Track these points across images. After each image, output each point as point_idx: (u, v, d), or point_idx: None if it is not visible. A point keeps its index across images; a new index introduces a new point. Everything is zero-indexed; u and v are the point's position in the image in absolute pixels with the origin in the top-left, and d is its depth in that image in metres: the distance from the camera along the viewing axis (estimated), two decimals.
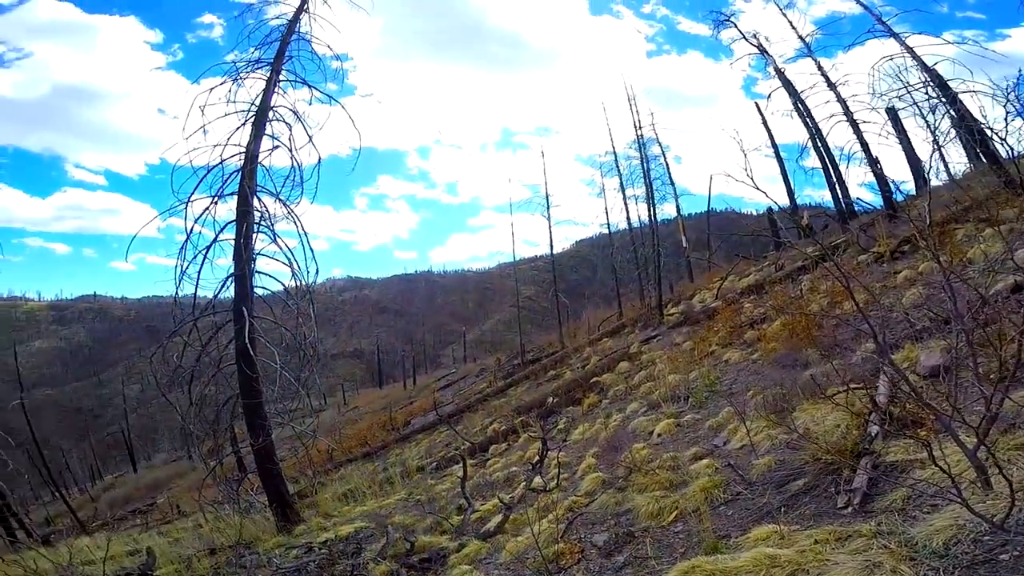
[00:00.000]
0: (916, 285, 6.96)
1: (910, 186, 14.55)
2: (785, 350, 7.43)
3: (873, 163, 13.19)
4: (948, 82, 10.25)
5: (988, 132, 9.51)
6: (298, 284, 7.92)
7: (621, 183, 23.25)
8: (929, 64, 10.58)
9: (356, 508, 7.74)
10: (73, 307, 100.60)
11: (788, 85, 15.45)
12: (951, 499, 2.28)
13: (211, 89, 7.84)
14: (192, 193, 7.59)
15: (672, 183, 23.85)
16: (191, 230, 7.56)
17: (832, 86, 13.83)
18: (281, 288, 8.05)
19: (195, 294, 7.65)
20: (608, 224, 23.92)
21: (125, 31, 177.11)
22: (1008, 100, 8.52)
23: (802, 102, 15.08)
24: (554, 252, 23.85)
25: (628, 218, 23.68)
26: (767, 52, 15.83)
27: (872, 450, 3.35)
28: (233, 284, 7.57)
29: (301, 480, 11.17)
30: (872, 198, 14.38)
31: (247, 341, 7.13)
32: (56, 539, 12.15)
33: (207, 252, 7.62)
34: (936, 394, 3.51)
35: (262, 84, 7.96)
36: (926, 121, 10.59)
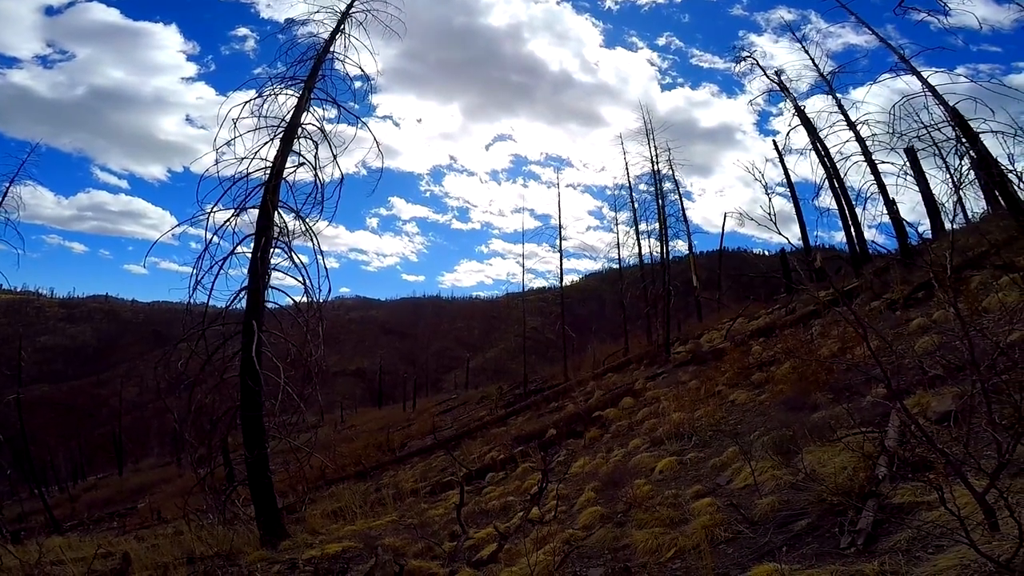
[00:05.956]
0: (929, 333, 6.86)
1: (925, 226, 14.17)
2: (793, 393, 7.33)
3: (890, 205, 13.02)
4: (969, 121, 10.01)
5: (1009, 175, 9.32)
6: (310, 301, 7.85)
7: (635, 217, 23.01)
8: (950, 102, 10.31)
9: (345, 527, 7.54)
10: (83, 306, 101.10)
11: (807, 123, 15.38)
12: (958, 540, 2.22)
13: (245, 103, 7.95)
14: (215, 204, 7.61)
15: (685, 220, 23.49)
16: (210, 241, 7.56)
17: (852, 125, 13.72)
18: (291, 303, 7.99)
19: (207, 303, 7.60)
20: (619, 259, 23.71)
21: (165, 39, 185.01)
22: None
23: (820, 141, 14.99)
24: (563, 284, 23.85)
25: (640, 254, 23.26)
26: (787, 89, 15.92)
27: (879, 492, 3.25)
28: (246, 297, 7.52)
29: (290, 495, 10.95)
30: (886, 240, 14.22)
31: (254, 355, 7.07)
32: (27, 537, 11.87)
33: (223, 264, 7.58)
34: (947, 439, 3.42)
35: (292, 100, 8.05)
36: (945, 162, 10.28)
